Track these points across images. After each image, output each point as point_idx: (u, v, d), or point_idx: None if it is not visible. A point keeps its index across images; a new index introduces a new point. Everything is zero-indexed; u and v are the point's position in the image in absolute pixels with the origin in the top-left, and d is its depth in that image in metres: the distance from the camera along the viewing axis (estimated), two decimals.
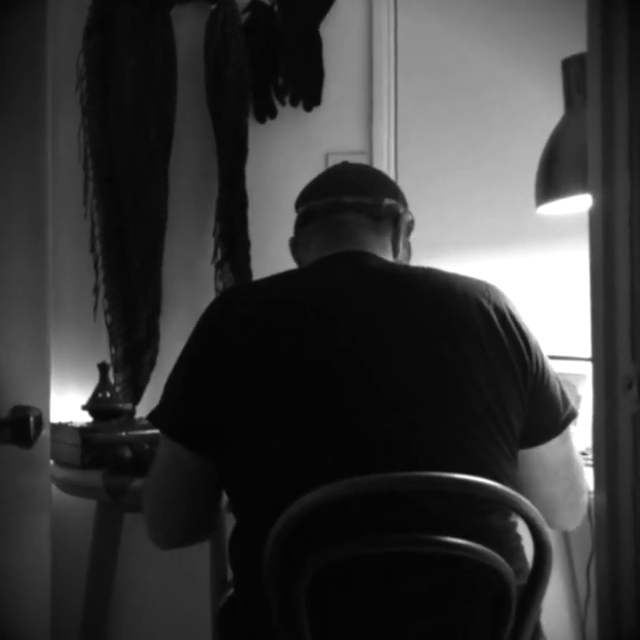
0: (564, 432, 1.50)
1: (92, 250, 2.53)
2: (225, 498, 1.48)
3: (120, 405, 2.30)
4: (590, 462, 1.20)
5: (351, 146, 2.56)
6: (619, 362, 0.96)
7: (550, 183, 1.89)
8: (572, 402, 1.54)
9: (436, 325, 1.41)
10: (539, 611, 1.38)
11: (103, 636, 2.21)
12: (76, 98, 2.52)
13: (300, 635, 1.28)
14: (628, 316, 0.95)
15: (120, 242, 2.52)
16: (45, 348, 1.60)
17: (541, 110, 2.16)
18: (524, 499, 1.30)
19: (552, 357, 1.56)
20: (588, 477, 1.39)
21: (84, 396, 2.36)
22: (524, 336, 1.45)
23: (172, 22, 2.51)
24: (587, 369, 1.91)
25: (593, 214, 1.05)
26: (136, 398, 2.50)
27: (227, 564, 1.51)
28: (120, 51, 2.48)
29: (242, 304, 1.47)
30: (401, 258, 1.61)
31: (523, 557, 1.42)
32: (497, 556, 1.29)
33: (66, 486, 2.13)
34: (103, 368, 2.34)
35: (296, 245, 1.65)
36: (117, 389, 2.44)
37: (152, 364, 2.51)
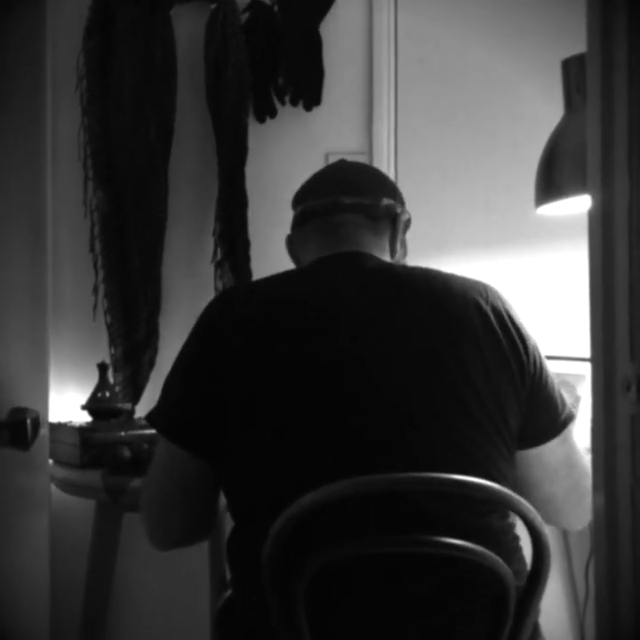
0: (563, 433, 1.50)
1: (92, 249, 2.53)
2: (223, 499, 1.48)
3: (119, 405, 2.30)
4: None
5: (351, 146, 2.56)
6: (617, 363, 0.95)
7: (550, 183, 1.89)
8: (571, 403, 1.55)
9: (434, 326, 1.41)
10: (537, 611, 1.38)
11: (102, 635, 2.21)
12: (75, 98, 2.51)
13: (300, 635, 1.28)
14: (626, 317, 0.95)
15: (120, 241, 2.52)
16: (44, 349, 1.60)
17: (541, 110, 2.16)
18: (523, 500, 1.31)
19: (551, 358, 1.56)
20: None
21: (83, 396, 2.36)
22: (522, 336, 1.45)
23: (171, 22, 2.51)
24: (586, 369, 1.91)
25: (592, 215, 1.05)
26: (135, 398, 2.50)
27: (225, 564, 1.51)
28: (120, 50, 2.48)
29: (241, 304, 1.47)
30: (398, 257, 1.61)
31: (521, 558, 1.42)
32: (496, 557, 1.29)
33: (65, 486, 2.13)
34: (103, 368, 2.34)
35: (293, 244, 1.65)
36: (117, 389, 2.44)
37: (151, 363, 2.51)
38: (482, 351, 1.41)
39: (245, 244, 2.51)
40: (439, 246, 2.50)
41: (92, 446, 2.10)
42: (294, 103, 2.55)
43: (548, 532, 1.33)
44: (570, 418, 1.52)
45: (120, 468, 2.02)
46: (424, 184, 2.56)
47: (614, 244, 1.01)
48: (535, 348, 1.47)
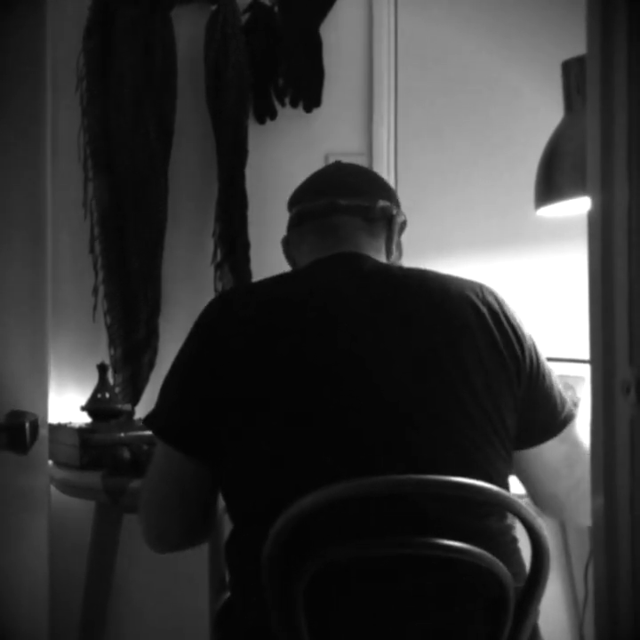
0: (563, 432, 1.50)
1: (92, 250, 2.53)
2: (222, 502, 1.48)
3: (119, 406, 2.30)
4: None
5: (351, 147, 2.56)
6: (617, 366, 0.95)
7: (549, 185, 1.88)
8: (571, 404, 1.54)
9: (433, 326, 1.42)
10: (536, 613, 1.38)
11: (102, 636, 2.21)
12: (75, 98, 2.51)
13: (299, 635, 1.28)
14: (625, 320, 0.95)
15: (120, 242, 2.52)
16: (44, 352, 1.60)
17: (542, 112, 2.16)
18: (522, 502, 1.31)
19: (551, 360, 1.56)
20: None
21: (83, 397, 2.36)
22: (518, 335, 1.46)
23: (172, 23, 2.51)
24: (586, 371, 1.91)
25: (592, 217, 1.05)
26: (135, 399, 2.50)
27: (225, 565, 1.51)
28: (120, 51, 2.48)
29: (241, 304, 1.47)
30: (393, 259, 1.61)
31: (520, 560, 1.42)
32: (494, 559, 1.29)
33: (65, 487, 2.13)
34: (102, 369, 2.34)
35: (289, 245, 1.65)
36: (116, 390, 2.44)
37: (151, 364, 2.51)
38: (479, 351, 1.41)
39: (245, 245, 2.51)
40: (439, 247, 2.50)
41: (91, 447, 2.10)
42: (294, 104, 2.55)
43: (548, 534, 1.33)
44: (569, 417, 1.52)
45: (119, 469, 2.02)
46: (424, 185, 2.56)
47: (614, 247, 1.01)
48: (532, 347, 1.48)
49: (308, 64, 2.55)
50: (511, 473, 1.47)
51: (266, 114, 2.56)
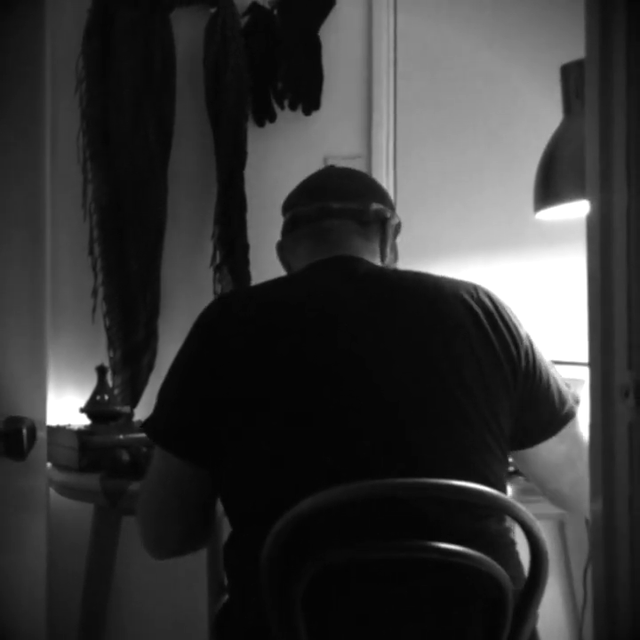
0: (563, 430, 1.51)
1: (91, 252, 2.53)
2: (220, 506, 1.48)
3: (118, 408, 2.30)
4: None
5: (350, 150, 2.56)
6: (615, 370, 0.95)
7: (548, 189, 1.88)
8: (572, 402, 1.54)
9: (430, 327, 1.42)
10: (535, 617, 1.38)
11: (101, 638, 2.21)
12: (75, 100, 2.51)
13: (297, 636, 1.28)
14: (624, 324, 0.95)
15: (119, 244, 2.52)
16: (42, 357, 1.60)
17: (542, 115, 2.16)
18: (521, 506, 1.31)
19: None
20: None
21: (82, 399, 2.36)
22: (513, 335, 1.46)
23: (171, 25, 2.52)
24: (585, 374, 1.91)
25: (590, 220, 1.05)
26: (134, 401, 2.50)
27: (223, 567, 1.51)
28: (119, 53, 2.48)
29: (240, 306, 1.47)
30: (388, 262, 1.62)
31: (518, 563, 1.42)
32: (493, 562, 1.29)
33: (63, 489, 2.13)
34: (101, 371, 2.34)
35: (283, 250, 1.66)
36: (116, 392, 2.44)
37: (150, 366, 2.51)
38: (475, 352, 1.41)
39: (244, 248, 2.51)
40: (438, 250, 2.50)
41: (90, 449, 2.10)
42: (293, 107, 2.55)
43: (546, 538, 1.33)
44: (569, 416, 1.52)
45: (118, 471, 2.01)
46: (423, 188, 2.56)
47: (612, 250, 1.01)
48: (528, 347, 1.48)
49: (307, 67, 2.55)
50: (506, 473, 1.47)
51: (265, 116, 2.56)
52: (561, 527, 2.38)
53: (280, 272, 1.68)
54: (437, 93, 2.60)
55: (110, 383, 2.41)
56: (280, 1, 2.54)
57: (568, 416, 1.52)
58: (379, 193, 1.64)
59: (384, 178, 2.50)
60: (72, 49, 2.50)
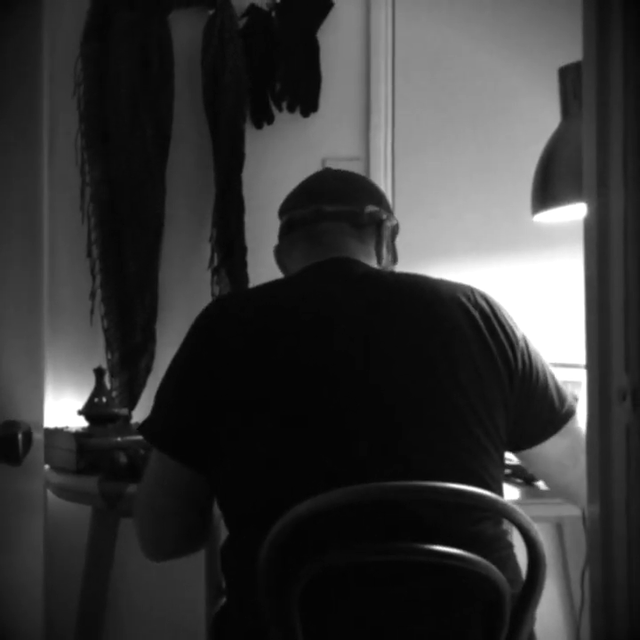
0: (564, 428, 1.51)
1: (89, 254, 2.53)
2: (217, 509, 1.48)
3: (116, 410, 2.30)
4: None
5: (348, 152, 2.56)
6: (612, 373, 0.95)
7: (546, 191, 1.88)
8: (571, 400, 1.55)
9: (426, 329, 1.42)
10: (532, 619, 1.38)
11: (98, 639, 2.21)
12: (73, 102, 2.51)
13: (295, 639, 1.28)
14: (621, 327, 0.95)
15: (117, 246, 2.52)
16: (40, 358, 1.60)
17: (541, 117, 2.16)
18: (519, 509, 1.31)
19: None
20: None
21: (80, 401, 2.35)
22: (509, 338, 1.46)
23: (169, 26, 2.51)
24: (582, 376, 1.91)
25: (588, 223, 1.05)
26: (132, 403, 2.50)
27: (221, 570, 1.51)
28: (117, 55, 2.48)
29: (238, 308, 1.48)
30: (386, 264, 1.62)
31: (516, 566, 1.42)
32: (490, 564, 1.29)
33: (61, 492, 2.13)
34: (99, 373, 2.33)
35: (280, 253, 1.66)
36: (113, 394, 2.44)
37: (148, 368, 2.50)
38: (472, 354, 1.42)
39: (242, 250, 2.51)
40: (436, 252, 2.50)
41: (88, 452, 2.10)
42: (291, 109, 2.55)
43: (543, 540, 1.33)
44: (569, 414, 1.52)
45: (116, 473, 2.01)
46: (421, 190, 2.56)
47: (610, 253, 1.01)
48: (524, 348, 1.48)
49: (305, 68, 2.55)
50: (502, 474, 1.47)
51: (263, 118, 2.56)
52: (558, 529, 2.38)
53: (278, 274, 1.69)
54: (436, 95, 2.60)
55: (108, 385, 2.40)
56: (278, 2, 2.54)
57: (568, 414, 1.52)
58: (375, 195, 1.65)
59: (382, 180, 2.50)
60: (70, 50, 2.50)
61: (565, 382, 1.61)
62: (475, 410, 1.39)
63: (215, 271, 2.52)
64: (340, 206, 1.58)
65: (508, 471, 1.83)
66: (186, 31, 2.54)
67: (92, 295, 2.52)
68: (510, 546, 1.43)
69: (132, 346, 2.50)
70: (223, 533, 1.48)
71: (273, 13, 2.55)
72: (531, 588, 1.34)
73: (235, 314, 1.46)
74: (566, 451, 1.52)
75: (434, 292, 1.46)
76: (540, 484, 1.85)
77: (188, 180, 2.58)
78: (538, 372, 1.49)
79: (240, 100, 2.50)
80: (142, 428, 1.48)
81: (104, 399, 2.30)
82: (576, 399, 1.60)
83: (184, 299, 2.55)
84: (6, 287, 1.59)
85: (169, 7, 2.52)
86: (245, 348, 1.40)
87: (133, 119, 2.47)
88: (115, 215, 2.51)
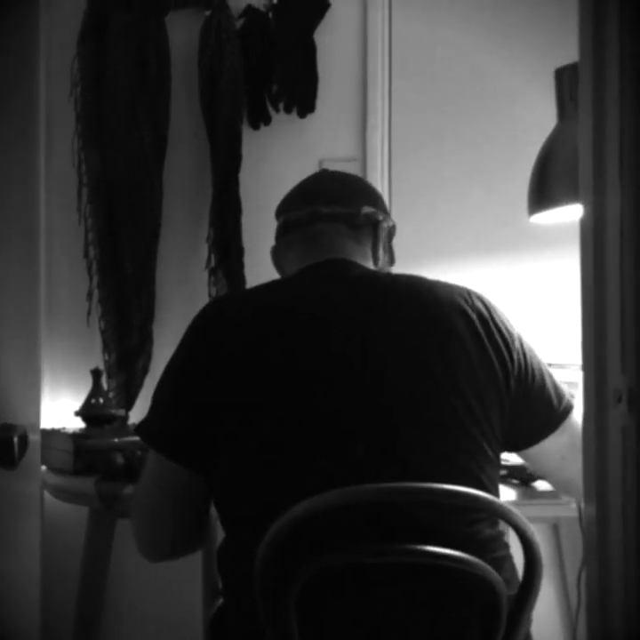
0: (562, 425, 1.51)
1: (86, 255, 2.52)
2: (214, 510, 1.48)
3: (113, 411, 2.30)
4: None
5: (345, 153, 2.56)
6: (609, 374, 0.95)
7: (543, 192, 1.88)
8: (569, 396, 1.55)
9: (423, 331, 1.43)
10: (529, 621, 1.38)
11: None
12: (70, 103, 2.51)
13: None
14: (617, 328, 0.95)
15: (114, 247, 2.52)
16: (36, 360, 1.60)
17: (538, 117, 2.16)
18: (515, 510, 1.31)
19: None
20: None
21: (77, 402, 2.35)
22: (506, 340, 1.46)
23: (166, 28, 2.51)
24: (579, 376, 1.91)
25: (584, 224, 1.05)
26: (129, 404, 2.50)
27: (217, 571, 1.51)
28: (114, 56, 2.48)
29: (235, 309, 1.48)
30: (382, 265, 1.62)
31: (512, 567, 1.42)
32: (486, 565, 1.29)
33: (58, 493, 2.13)
34: (96, 374, 2.33)
35: (277, 254, 1.66)
36: (111, 395, 2.44)
37: (145, 369, 2.50)
38: (468, 356, 1.42)
39: (239, 251, 2.51)
40: (432, 253, 2.50)
41: (85, 453, 2.09)
42: (288, 110, 2.55)
43: (540, 542, 1.33)
44: (567, 411, 1.53)
45: (113, 474, 2.01)
46: (418, 191, 2.56)
47: (606, 254, 1.01)
48: (520, 349, 1.49)
49: (302, 69, 2.55)
50: (499, 474, 1.48)
51: (260, 119, 2.56)
52: (555, 530, 2.38)
53: (275, 275, 1.69)
54: (432, 96, 2.60)
55: (105, 386, 2.40)
56: (275, 3, 2.54)
57: (566, 411, 1.53)
58: (371, 196, 1.65)
59: (379, 181, 2.50)
60: (68, 51, 2.50)
61: (562, 383, 1.61)
62: (471, 411, 1.39)
63: (212, 272, 2.52)
64: (337, 208, 1.59)
65: (504, 472, 1.83)
66: (183, 32, 2.54)
67: (89, 296, 2.52)
68: (507, 547, 1.43)
69: (129, 347, 2.50)
70: (220, 534, 1.48)
71: (270, 14, 2.55)
72: (527, 589, 1.34)
73: (232, 315, 1.46)
74: (566, 446, 1.52)
75: (431, 294, 1.46)
76: (537, 485, 1.85)
77: (185, 181, 2.58)
78: (534, 372, 1.50)
79: (237, 101, 2.50)
80: (139, 428, 1.48)
81: (101, 400, 2.30)
82: (573, 396, 1.60)
83: (181, 300, 2.55)
84: (3, 288, 1.59)
85: (166, 8, 2.52)
86: (242, 350, 1.40)
87: (130, 120, 2.47)
88: (112, 216, 2.51)
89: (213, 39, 2.49)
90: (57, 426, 2.30)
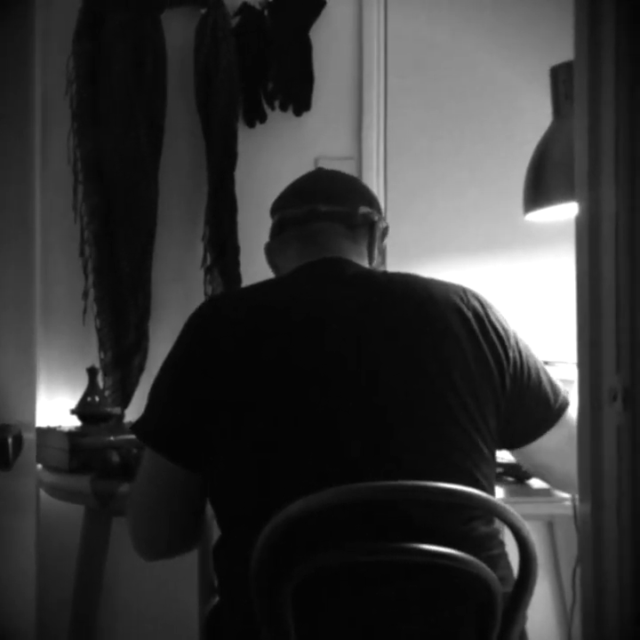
0: (559, 421, 1.52)
1: (82, 253, 2.52)
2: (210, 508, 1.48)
3: (109, 409, 2.30)
4: None
5: (341, 151, 2.56)
6: (603, 373, 0.96)
7: (538, 190, 1.89)
8: (565, 392, 1.56)
9: (418, 330, 1.43)
10: (524, 618, 1.39)
11: (92, 638, 2.20)
12: (65, 101, 2.51)
13: (287, 639, 1.28)
14: (613, 327, 0.96)
15: (109, 246, 2.51)
16: (32, 360, 1.59)
17: (533, 116, 2.16)
18: (510, 508, 1.31)
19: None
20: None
21: (73, 400, 2.35)
22: (501, 337, 1.47)
23: (162, 26, 2.51)
24: (574, 374, 1.91)
25: (579, 222, 1.06)
26: (125, 402, 2.49)
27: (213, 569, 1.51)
28: (110, 54, 2.47)
29: (230, 308, 1.48)
30: (376, 264, 1.62)
31: (507, 565, 1.43)
32: (481, 563, 1.29)
33: (54, 491, 2.13)
34: (92, 372, 2.33)
35: (271, 252, 1.66)
36: (106, 393, 2.44)
37: (141, 368, 2.50)
38: (464, 354, 1.42)
39: (235, 249, 2.51)
40: (428, 251, 2.50)
41: (80, 451, 2.09)
42: (284, 108, 2.55)
43: (535, 539, 1.33)
44: (563, 407, 1.54)
45: (109, 472, 2.01)
46: (413, 189, 2.56)
47: (601, 253, 1.01)
48: (515, 346, 1.49)
49: (297, 67, 2.55)
50: (494, 471, 1.48)
51: (256, 117, 2.56)
52: (550, 528, 2.39)
53: (270, 273, 1.69)
54: (428, 94, 2.60)
55: (101, 384, 2.40)
56: (271, 1, 2.54)
57: (562, 408, 1.53)
58: (367, 196, 1.65)
59: (374, 179, 2.50)
60: (63, 50, 2.49)
61: (558, 380, 1.62)
62: (467, 409, 1.40)
63: (208, 270, 2.52)
64: (334, 207, 1.59)
65: (499, 470, 1.83)
66: (178, 30, 2.53)
67: (85, 294, 2.52)
68: (502, 544, 1.43)
69: (124, 345, 2.50)
70: (216, 533, 1.48)
71: (265, 12, 2.55)
72: (522, 586, 1.34)
73: (227, 314, 1.46)
74: (564, 439, 1.53)
75: (426, 292, 1.47)
76: (532, 483, 1.85)
77: (180, 179, 2.57)
78: (530, 370, 1.50)
79: (233, 99, 2.49)
80: (135, 427, 1.48)
81: (97, 398, 2.30)
82: (568, 393, 1.61)
83: (177, 298, 2.55)
84: (3, 283, 1.59)
85: (161, 6, 2.51)
86: (238, 348, 1.40)
87: (126, 118, 2.46)
88: (108, 214, 2.51)
89: (209, 37, 2.49)
90: (53, 424, 2.30)
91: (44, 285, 2.47)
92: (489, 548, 1.38)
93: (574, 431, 1.49)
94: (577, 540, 1.48)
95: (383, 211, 1.68)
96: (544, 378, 1.53)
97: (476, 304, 1.48)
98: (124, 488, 1.93)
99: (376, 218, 1.61)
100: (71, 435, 2.12)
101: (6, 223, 1.60)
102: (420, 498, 1.31)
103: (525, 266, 2.56)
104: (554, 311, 2.46)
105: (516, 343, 1.50)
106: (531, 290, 2.54)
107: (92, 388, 2.31)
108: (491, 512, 1.35)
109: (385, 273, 1.55)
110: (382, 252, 1.65)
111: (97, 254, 2.51)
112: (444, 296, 1.46)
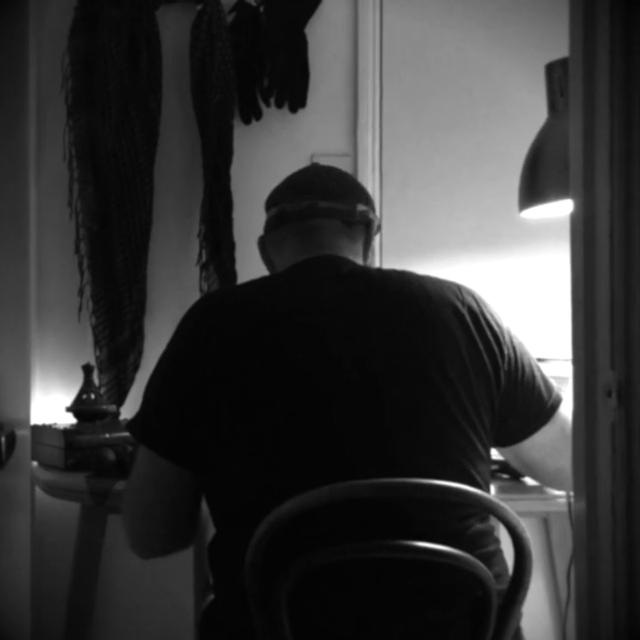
0: (552, 418, 1.52)
1: (77, 250, 2.52)
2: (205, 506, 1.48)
3: (104, 407, 2.30)
4: None
5: (336, 148, 2.56)
6: (598, 369, 0.96)
7: (533, 187, 1.89)
8: (557, 389, 1.56)
9: (414, 327, 1.43)
10: (519, 615, 1.39)
11: (88, 636, 2.20)
12: (61, 97, 2.50)
13: (283, 638, 1.28)
14: (607, 323, 0.96)
15: (105, 243, 2.51)
16: (26, 358, 1.59)
17: (528, 113, 2.16)
18: (506, 506, 1.31)
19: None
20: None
21: (68, 398, 2.35)
22: (496, 334, 1.47)
23: (157, 22, 2.51)
24: (568, 371, 1.91)
25: (574, 219, 1.06)
26: (120, 400, 2.49)
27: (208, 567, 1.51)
28: (105, 50, 2.47)
29: (225, 306, 1.47)
30: (369, 263, 1.62)
31: (502, 562, 1.43)
32: (476, 560, 1.29)
33: (49, 488, 2.12)
34: (87, 369, 2.33)
35: (266, 246, 1.65)
36: (102, 391, 2.44)
37: (136, 365, 2.50)
38: (460, 351, 1.42)
39: (230, 246, 2.50)
40: (423, 248, 2.50)
41: (76, 449, 2.09)
42: (279, 105, 2.55)
43: (530, 536, 1.33)
44: (556, 403, 1.54)
45: (104, 470, 2.01)
46: (409, 186, 2.56)
47: (596, 249, 1.01)
48: (509, 343, 1.49)
49: (293, 64, 2.55)
50: (489, 469, 1.48)
51: (251, 114, 2.56)
52: (545, 525, 2.39)
53: (266, 270, 1.68)
54: (424, 91, 2.60)
55: (96, 382, 2.40)
56: None
57: (555, 405, 1.54)
58: (363, 194, 1.65)
59: (370, 176, 2.50)
60: (58, 46, 2.49)
61: (551, 377, 1.62)
62: (462, 406, 1.40)
63: (203, 267, 2.51)
64: (334, 203, 1.58)
65: (494, 467, 1.83)
66: (174, 26, 2.53)
67: (80, 292, 2.52)
68: (497, 542, 1.43)
69: (120, 342, 2.49)
70: (211, 530, 1.48)
71: (261, 8, 2.54)
72: (517, 583, 1.34)
73: (224, 311, 1.46)
74: (557, 435, 1.53)
75: (421, 289, 1.47)
76: (527, 480, 1.85)
77: (176, 176, 2.57)
78: (524, 367, 1.50)
79: (228, 96, 2.49)
80: (130, 425, 1.48)
81: (92, 396, 2.30)
82: (561, 390, 1.61)
83: (172, 295, 2.54)
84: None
85: (157, 2, 2.51)
86: (233, 347, 1.40)
87: (122, 114, 2.46)
88: (103, 211, 2.51)
89: (205, 33, 2.48)
90: (48, 422, 2.30)
91: (39, 282, 2.47)
92: (484, 545, 1.38)
93: (567, 428, 1.51)
94: (571, 536, 1.48)
95: (378, 207, 1.68)
96: (537, 374, 1.53)
97: (471, 301, 1.48)
98: (120, 485, 1.92)
99: (372, 216, 1.61)
100: (67, 432, 2.12)
101: (2, 221, 1.60)
102: (415, 495, 1.31)
103: (520, 262, 2.56)
104: (548, 308, 2.47)
105: (511, 340, 1.50)
106: (526, 286, 2.54)
107: (87, 386, 2.31)
108: (486, 509, 1.35)
109: (379, 270, 1.55)
110: (372, 250, 1.66)
111: (92, 251, 2.51)
112: (439, 293, 1.46)
